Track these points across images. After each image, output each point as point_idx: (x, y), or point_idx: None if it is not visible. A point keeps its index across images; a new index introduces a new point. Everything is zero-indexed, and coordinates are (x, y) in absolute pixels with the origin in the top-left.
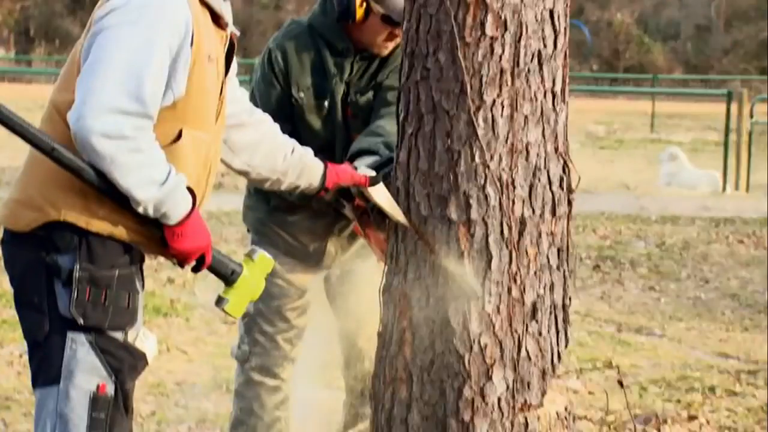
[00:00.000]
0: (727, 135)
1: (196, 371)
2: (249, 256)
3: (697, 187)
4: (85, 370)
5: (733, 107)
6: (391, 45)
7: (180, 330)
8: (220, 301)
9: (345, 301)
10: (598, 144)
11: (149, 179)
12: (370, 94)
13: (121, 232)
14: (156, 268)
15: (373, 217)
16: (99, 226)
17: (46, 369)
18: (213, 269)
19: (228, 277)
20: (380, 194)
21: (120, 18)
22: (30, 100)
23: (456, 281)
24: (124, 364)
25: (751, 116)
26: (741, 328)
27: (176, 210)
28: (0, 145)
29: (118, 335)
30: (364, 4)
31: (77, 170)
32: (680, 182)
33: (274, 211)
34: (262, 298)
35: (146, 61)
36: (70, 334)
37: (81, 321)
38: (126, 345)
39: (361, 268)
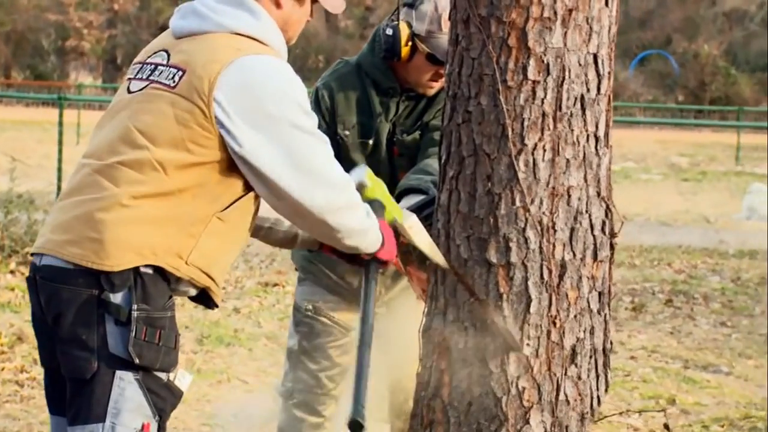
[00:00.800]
0: None
1: (255, 402)
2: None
3: None
4: (132, 409)
5: None
6: (436, 85)
7: (242, 360)
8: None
9: (388, 340)
10: (681, 176)
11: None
12: (416, 134)
13: (203, 278)
14: (222, 297)
15: (415, 255)
16: (188, 271)
17: (91, 407)
18: None
19: None
20: (420, 235)
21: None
22: None
23: (497, 333)
24: (167, 403)
25: None
26: None
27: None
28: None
29: (164, 375)
30: (410, 43)
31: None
32: (760, 217)
33: (320, 250)
34: (306, 335)
35: None
36: (119, 373)
37: (137, 360)
38: (169, 384)
39: (405, 307)
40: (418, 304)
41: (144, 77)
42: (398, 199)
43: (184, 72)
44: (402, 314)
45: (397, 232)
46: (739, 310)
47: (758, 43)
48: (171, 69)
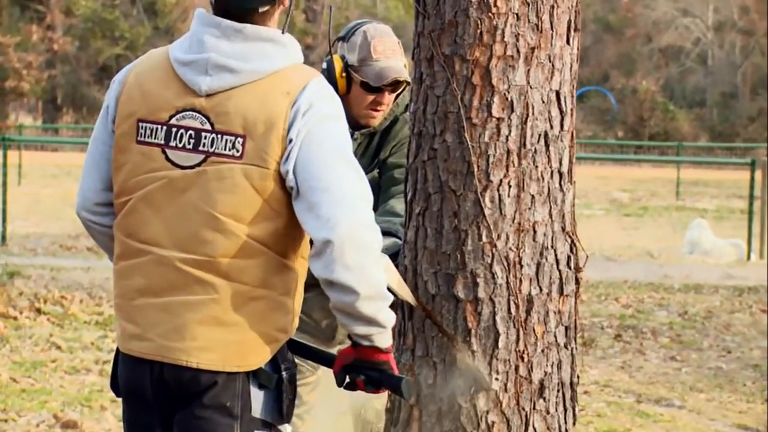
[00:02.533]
0: (751, 203)
1: None
2: None
3: (720, 256)
4: None
5: (758, 175)
6: (377, 114)
7: None
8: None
9: None
10: (622, 211)
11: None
12: (375, 172)
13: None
14: None
15: None
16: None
17: None
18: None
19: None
20: (392, 277)
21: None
22: (56, 167)
23: (466, 371)
24: None
25: None
26: (762, 400)
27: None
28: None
29: (287, 428)
30: (344, 75)
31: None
32: (703, 252)
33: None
34: None
35: None
36: None
37: (286, 421)
38: None
39: None
40: None
41: (190, 147)
42: None
43: (244, 138)
44: None
45: None
46: (687, 344)
47: (694, 79)
48: (225, 137)
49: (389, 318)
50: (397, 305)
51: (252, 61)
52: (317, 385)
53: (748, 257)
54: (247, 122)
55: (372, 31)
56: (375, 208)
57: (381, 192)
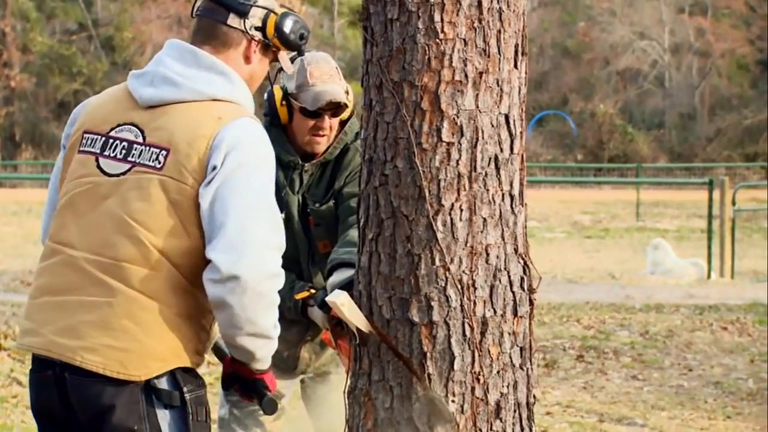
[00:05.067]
0: (710, 222)
1: None
2: None
3: (682, 276)
4: None
5: (716, 194)
6: (320, 140)
7: None
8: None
9: (319, 405)
10: (584, 233)
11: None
12: (331, 203)
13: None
14: None
15: (345, 330)
16: (196, 360)
17: None
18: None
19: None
20: (352, 311)
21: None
22: (16, 204)
23: (425, 402)
24: None
25: (734, 203)
26: (723, 416)
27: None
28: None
29: None
30: (284, 103)
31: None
32: (664, 272)
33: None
34: (236, 403)
35: None
36: None
37: None
38: None
39: (335, 373)
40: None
41: (120, 157)
42: (329, 274)
43: (168, 151)
44: (331, 381)
45: (328, 307)
46: (649, 363)
47: (653, 101)
48: (152, 149)
49: (267, 355)
50: (351, 332)
51: (197, 83)
52: (281, 415)
53: (709, 276)
54: (174, 137)
55: (309, 58)
56: (334, 239)
57: (339, 222)
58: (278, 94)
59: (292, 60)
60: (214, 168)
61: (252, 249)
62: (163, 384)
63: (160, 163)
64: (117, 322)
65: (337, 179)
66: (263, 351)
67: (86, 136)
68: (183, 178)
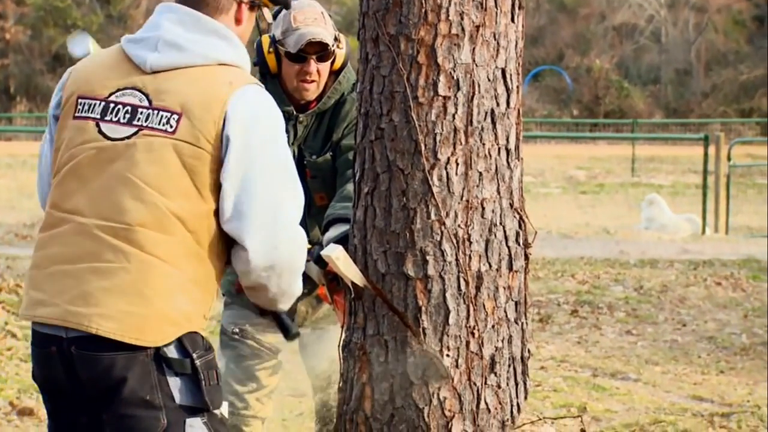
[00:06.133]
0: (705, 178)
1: None
2: None
3: (676, 231)
4: None
5: (712, 150)
6: (309, 86)
7: None
8: None
9: (316, 359)
10: (579, 189)
11: None
12: (328, 155)
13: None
14: None
15: (341, 284)
16: (203, 325)
17: None
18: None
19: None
20: (347, 265)
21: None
22: (10, 157)
23: (423, 357)
24: None
25: (729, 159)
26: (716, 371)
27: None
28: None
29: (218, 412)
30: (271, 50)
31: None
32: (659, 227)
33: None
34: (233, 357)
35: None
36: (188, 421)
37: (212, 407)
38: (223, 419)
39: (333, 327)
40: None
41: (124, 121)
42: (326, 229)
43: (180, 115)
44: (328, 335)
45: (324, 262)
46: (643, 318)
47: (649, 57)
48: (161, 113)
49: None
50: (347, 286)
51: (203, 47)
52: (278, 369)
53: (703, 231)
54: (185, 102)
55: (295, 4)
56: (331, 191)
57: (337, 175)
58: (266, 42)
59: (278, 12)
60: (231, 140)
61: (285, 231)
62: (173, 352)
63: (171, 127)
64: (133, 288)
65: (335, 131)
66: (289, 304)
67: (81, 101)
68: (198, 142)
